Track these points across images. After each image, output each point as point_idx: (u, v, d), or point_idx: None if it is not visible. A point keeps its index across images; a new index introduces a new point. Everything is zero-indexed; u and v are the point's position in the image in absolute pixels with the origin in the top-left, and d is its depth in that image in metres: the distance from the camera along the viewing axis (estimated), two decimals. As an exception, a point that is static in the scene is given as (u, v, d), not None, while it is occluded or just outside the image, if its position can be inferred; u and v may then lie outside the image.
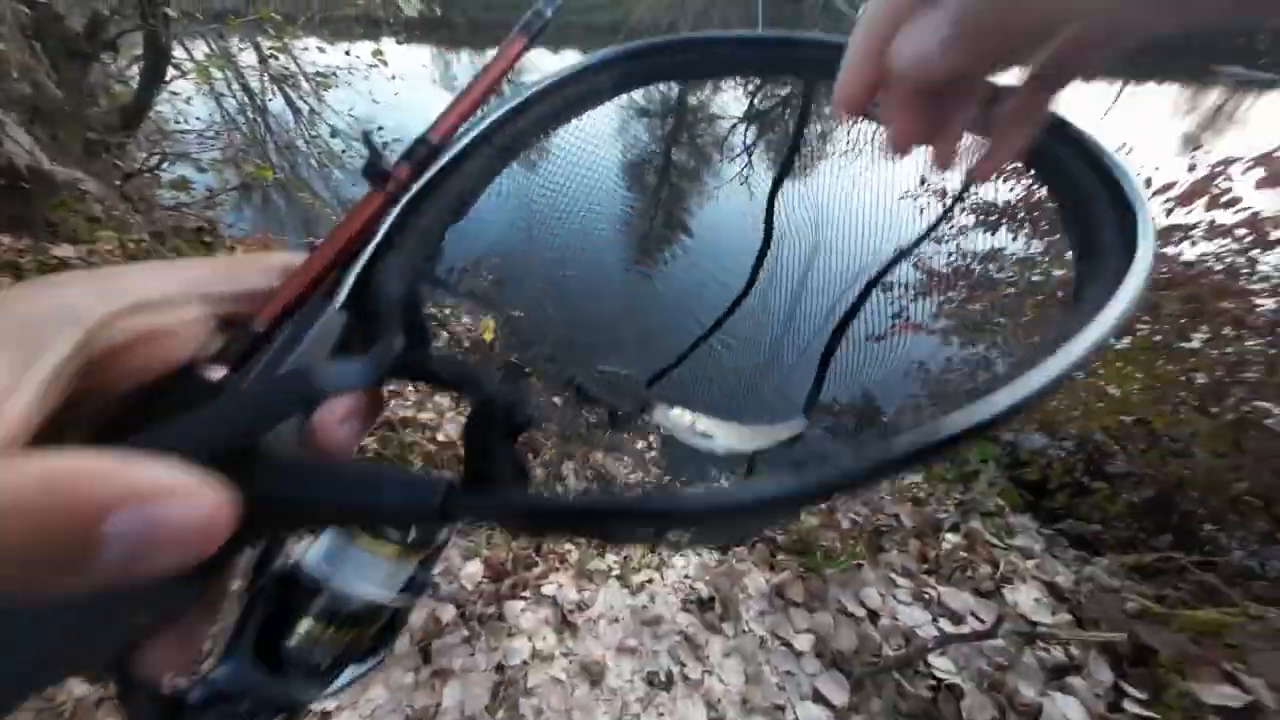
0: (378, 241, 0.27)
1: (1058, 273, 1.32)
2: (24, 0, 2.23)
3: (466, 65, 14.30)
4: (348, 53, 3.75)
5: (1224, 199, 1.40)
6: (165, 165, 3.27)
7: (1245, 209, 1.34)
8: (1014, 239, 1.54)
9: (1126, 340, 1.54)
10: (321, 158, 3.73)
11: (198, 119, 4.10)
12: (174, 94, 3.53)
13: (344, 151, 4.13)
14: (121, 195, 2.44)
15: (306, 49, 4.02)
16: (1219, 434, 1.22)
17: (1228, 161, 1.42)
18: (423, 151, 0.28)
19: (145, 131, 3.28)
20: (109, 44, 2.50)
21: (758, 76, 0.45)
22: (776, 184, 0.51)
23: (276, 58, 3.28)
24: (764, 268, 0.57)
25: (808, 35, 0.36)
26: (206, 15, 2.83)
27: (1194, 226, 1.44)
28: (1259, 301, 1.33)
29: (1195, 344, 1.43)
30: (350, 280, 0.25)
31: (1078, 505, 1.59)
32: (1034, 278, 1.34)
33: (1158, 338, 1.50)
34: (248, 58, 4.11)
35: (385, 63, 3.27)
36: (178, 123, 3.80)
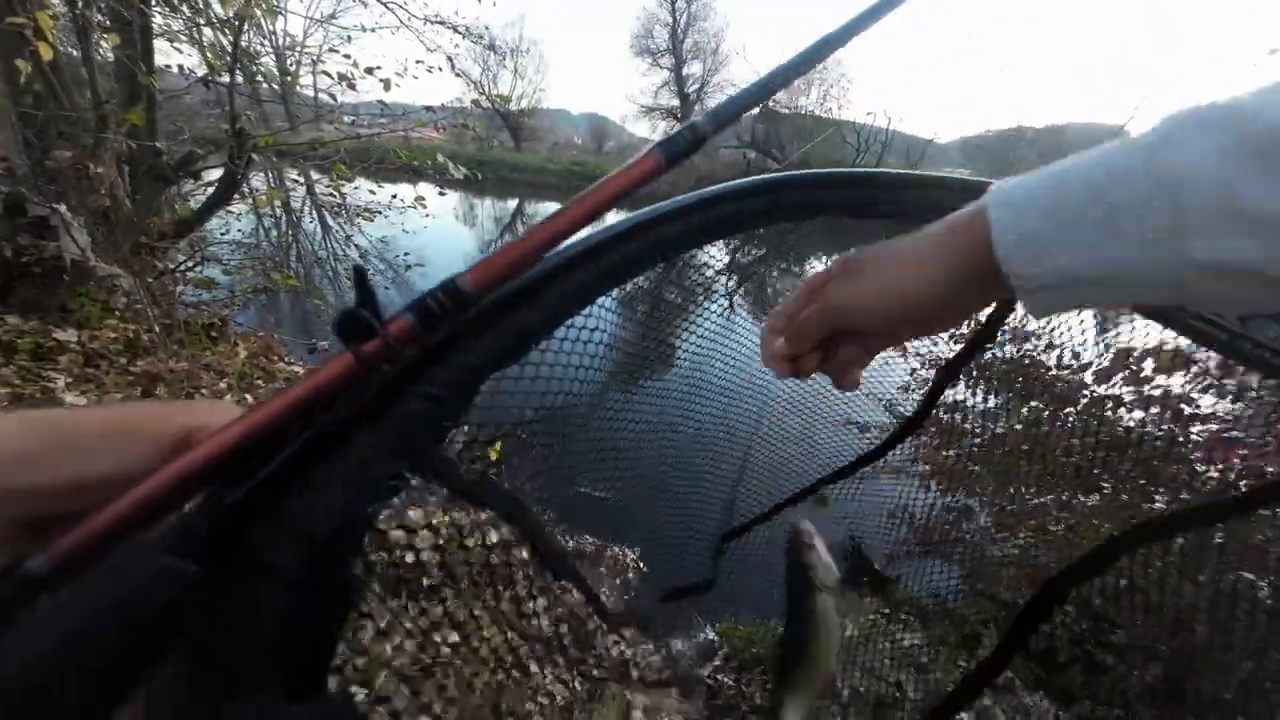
0: (310, 436, 0.20)
1: (1017, 427, 1.44)
2: (131, 136, 2.68)
3: (488, 209, 16.66)
4: (394, 196, 4.39)
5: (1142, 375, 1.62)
6: (198, 267, 3.52)
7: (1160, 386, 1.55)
8: (972, 394, 1.70)
9: (1095, 496, 1.60)
10: (349, 274, 4.05)
11: (239, 230, 4.55)
12: (228, 211, 4.00)
13: (368, 270, 4.53)
14: (148, 290, 2.58)
15: (358, 188, 4.71)
16: (1214, 604, 1.20)
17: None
18: (443, 303, 0.22)
19: (190, 237, 3.61)
20: (193, 174, 2.92)
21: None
22: None
23: (333, 195, 3.81)
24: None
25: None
26: (282, 156, 3.37)
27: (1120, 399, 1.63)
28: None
29: (1159, 504, 1.49)
30: (226, 502, 0.18)
31: (1095, 684, 1.46)
32: (997, 430, 1.45)
33: (1124, 495, 1.57)
34: (301, 185, 4.77)
35: (425, 207, 3.82)
36: (223, 233, 4.21)
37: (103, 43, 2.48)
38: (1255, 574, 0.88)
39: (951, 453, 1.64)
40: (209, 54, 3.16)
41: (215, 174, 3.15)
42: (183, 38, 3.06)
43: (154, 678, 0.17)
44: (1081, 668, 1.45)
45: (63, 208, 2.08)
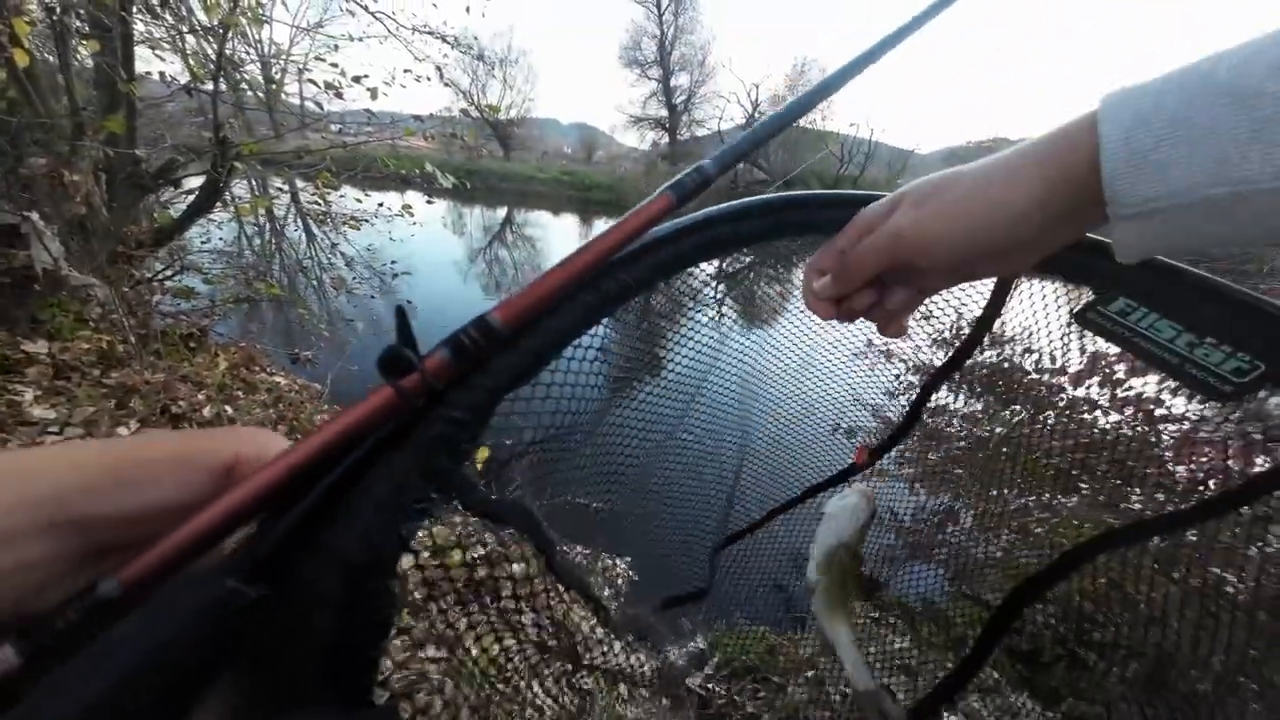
0: (356, 461, 0.21)
1: (999, 430, 1.47)
2: (110, 144, 2.62)
3: (477, 218, 16.62)
4: (381, 204, 4.36)
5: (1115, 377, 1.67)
6: (177, 276, 3.45)
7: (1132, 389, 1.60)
8: (954, 398, 1.73)
9: (1075, 498, 1.63)
10: (333, 283, 4.01)
11: (220, 239, 4.48)
12: (210, 219, 3.93)
13: (353, 278, 4.48)
14: (124, 300, 2.52)
15: (343, 196, 4.67)
16: (1188, 600, 1.23)
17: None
18: (475, 339, 0.23)
19: (170, 246, 3.54)
20: (173, 181, 2.87)
21: None
22: None
23: (318, 204, 3.77)
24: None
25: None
26: (267, 165, 3.34)
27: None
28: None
29: (1135, 504, 1.53)
30: (278, 531, 0.19)
31: (1078, 682, 1.48)
32: (979, 433, 1.48)
33: (1101, 497, 1.61)
34: (285, 194, 4.71)
35: (413, 215, 3.81)
36: (204, 242, 4.13)
37: (81, 49, 2.44)
38: (1224, 570, 0.91)
39: (936, 456, 1.67)
40: (192, 62, 3.13)
41: (197, 182, 3.10)
42: (165, 45, 3.02)
43: (215, 693, 0.18)
44: (1065, 666, 1.47)
45: (35, 216, 2.03)
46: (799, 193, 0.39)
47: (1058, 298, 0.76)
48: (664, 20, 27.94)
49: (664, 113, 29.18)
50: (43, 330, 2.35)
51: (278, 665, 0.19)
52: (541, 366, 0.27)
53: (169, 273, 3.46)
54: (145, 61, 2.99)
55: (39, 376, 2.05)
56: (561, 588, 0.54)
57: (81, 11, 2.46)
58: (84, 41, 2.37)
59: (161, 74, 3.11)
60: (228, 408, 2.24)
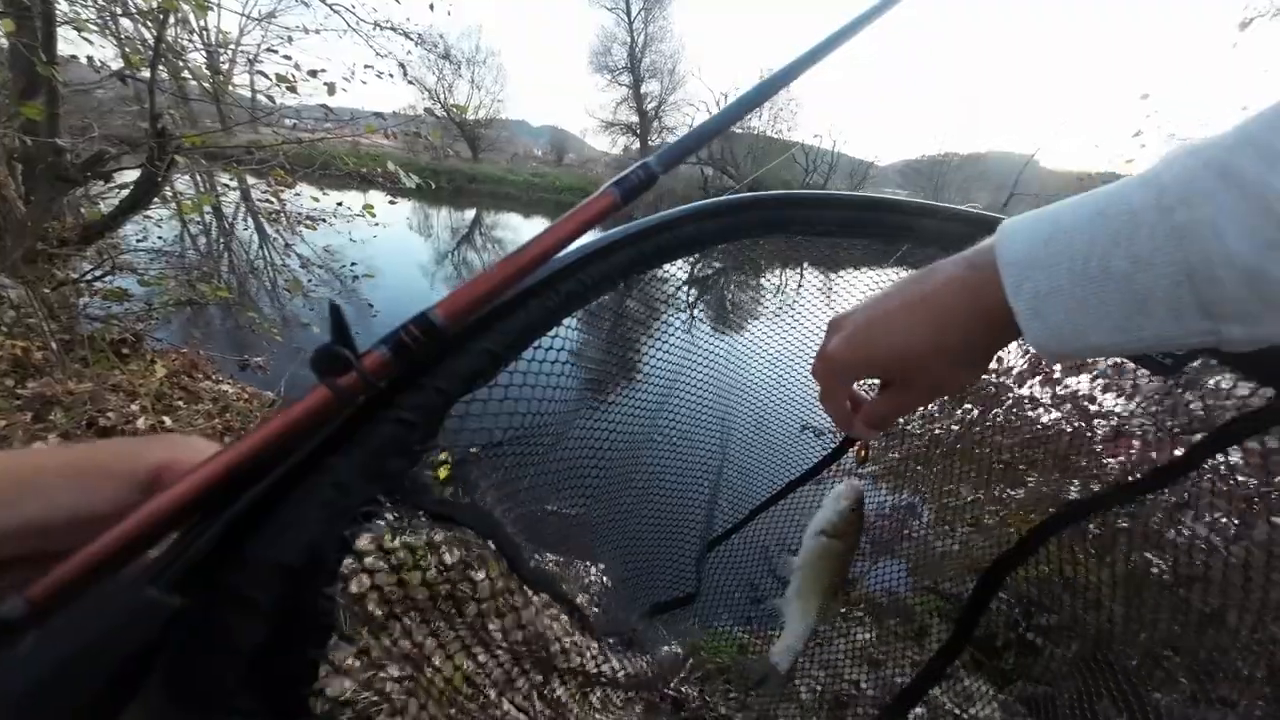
0: (288, 469, 0.20)
1: (954, 428, 1.55)
2: (27, 131, 2.39)
3: (445, 219, 16.18)
4: (339, 204, 4.17)
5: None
6: (108, 277, 3.18)
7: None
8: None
9: (1021, 490, 1.74)
10: (288, 285, 3.80)
11: (160, 238, 4.16)
12: (147, 216, 3.64)
13: (309, 280, 4.26)
14: (43, 303, 2.29)
15: (299, 194, 4.45)
16: (1120, 582, 1.33)
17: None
18: (416, 336, 0.22)
19: (99, 244, 3.26)
20: (103, 174, 2.65)
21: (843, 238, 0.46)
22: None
23: (271, 202, 3.57)
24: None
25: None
26: (213, 159, 3.13)
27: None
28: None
29: (1074, 494, 1.65)
30: (203, 539, 0.18)
31: (1028, 664, 1.57)
32: (935, 431, 1.56)
33: (1044, 489, 1.72)
34: (235, 191, 4.44)
35: (374, 215, 3.67)
36: (140, 240, 3.83)
37: (-5, 28, 2.22)
38: (1151, 553, 0.99)
39: (896, 454, 1.74)
40: (126, 48, 2.90)
41: (132, 175, 2.87)
42: (94, 27, 2.79)
43: (133, 708, 0.17)
44: (1015, 650, 1.56)
45: (-64, 209, 1.82)
46: (761, 193, 0.39)
47: None
48: (634, 27, 28.24)
49: (635, 118, 29.40)
50: (-56, 336, 2.11)
51: (201, 677, 0.18)
52: (499, 368, 0.26)
53: (98, 273, 3.18)
54: (72, 44, 2.75)
55: (-61, 388, 1.83)
56: (531, 592, 0.53)
57: (-5, -13, 2.24)
58: (-3, 19, 2.15)
59: (90, 58, 2.86)
60: (166, 419, 2.07)
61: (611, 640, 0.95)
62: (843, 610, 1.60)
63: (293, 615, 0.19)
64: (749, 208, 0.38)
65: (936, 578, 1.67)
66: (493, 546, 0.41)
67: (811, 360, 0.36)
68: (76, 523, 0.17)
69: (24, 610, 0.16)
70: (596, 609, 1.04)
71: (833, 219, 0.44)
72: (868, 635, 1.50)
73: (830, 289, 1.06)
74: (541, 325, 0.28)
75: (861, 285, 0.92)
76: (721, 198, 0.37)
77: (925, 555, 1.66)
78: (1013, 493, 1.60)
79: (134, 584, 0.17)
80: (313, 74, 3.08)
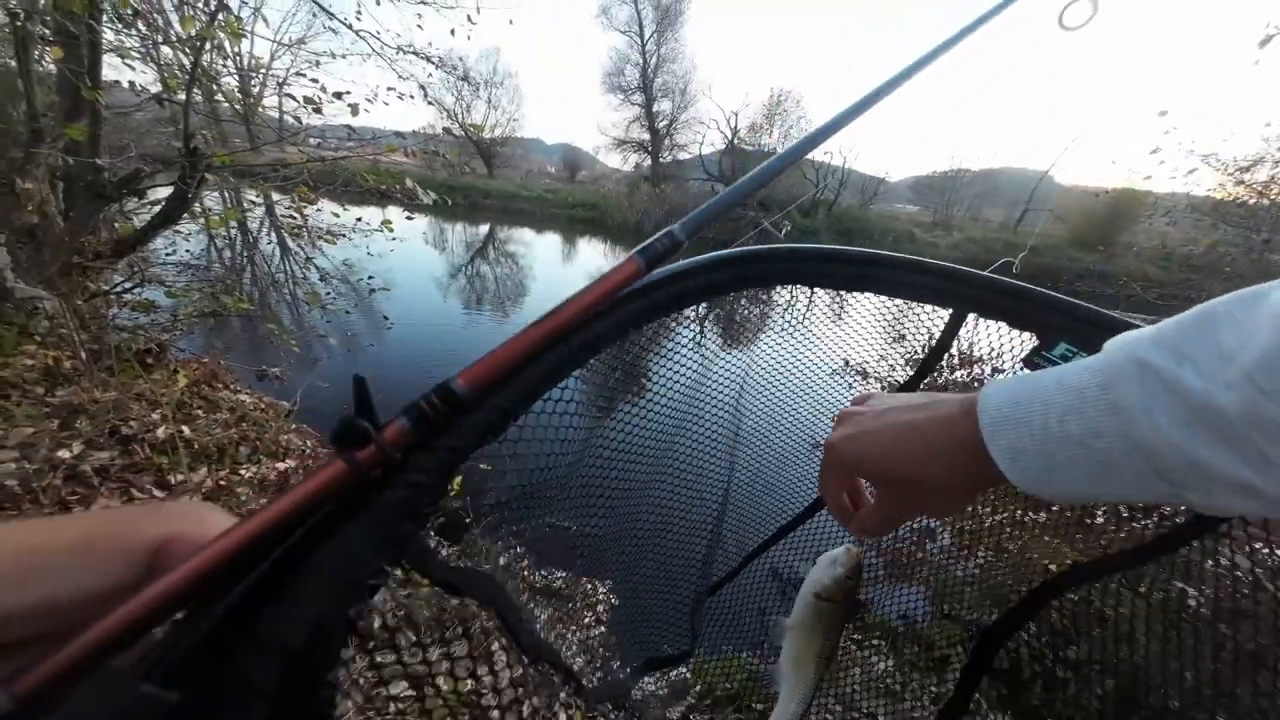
0: (302, 537, 0.19)
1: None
2: (70, 151, 2.52)
3: (460, 234, 16.55)
4: (359, 219, 4.30)
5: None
6: (138, 289, 3.30)
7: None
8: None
9: (1044, 514, 1.67)
10: (307, 298, 3.90)
11: (188, 251, 4.32)
12: (176, 231, 3.79)
13: (328, 293, 4.37)
14: (75, 314, 2.38)
15: (320, 210, 4.60)
16: (1152, 616, 1.26)
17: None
18: (436, 405, 0.22)
19: (130, 258, 3.39)
20: (137, 191, 2.77)
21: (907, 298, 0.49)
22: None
23: (294, 217, 3.69)
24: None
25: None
26: (240, 176, 3.26)
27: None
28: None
29: (1099, 519, 1.58)
30: (203, 625, 0.17)
31: (1054, 701, 1.49)
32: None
33: (1068, 512, 1.64)
34: (260, 206, 4.60)
35: (392, 230, 3.77)
36: (169, 254, 3.98)
37: (44, 56, 2.36)
38: (1187, 584, 0.93)
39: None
40: (165, 73, 3.06)
41: (165, 193, 2.99)
42: (136, 55, 2.95)
43: None
44: (1041, 684, 1.48)
45: (-19, 224, 1.91)
46: (758, 248, 0.41)
47: (1000, 333, 0.80)
48: (646, 49, 28.99)
49: (646, 136, 29.98)
50: (-19, 345, 2.19)
51: None
52: (509, 423, 0.26)
53: (128, 285, 3.30)
54: (114, 69, 2.91)
55: (-27, 395, 1.90)
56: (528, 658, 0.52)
57: (47, 18, 2.39)
58: (47, 47, 2.29)
59: (131, 83, 3.03)
60: (185, 428, 2.11)
61: (608, 707, 0.92)
62: (857, 638, 1.54)
63: (293, 703, 0.18)
64: (762, 260, 0.40)
65: (956, 605, 1.60)
66: (495, 615, 0.40)
67: (819, 401, 0.37)
68: (86, 601, 0.17)
69: (8, 707, 0.15)
70: (594, 673, 1.00)
71: (841, 274, 0.45)
72: (885, 664, 1.44)
73: (841, 309, 1.05)
74: (553, 378, 0.28)
75: (871, 305, 0.91)
76: (732, 250, 0.39)
77: (944, 581, 1.60)
78: (1034, 516, 1.54)
79: (128, 677, 0.16)
80: (338, 96, 3.20)
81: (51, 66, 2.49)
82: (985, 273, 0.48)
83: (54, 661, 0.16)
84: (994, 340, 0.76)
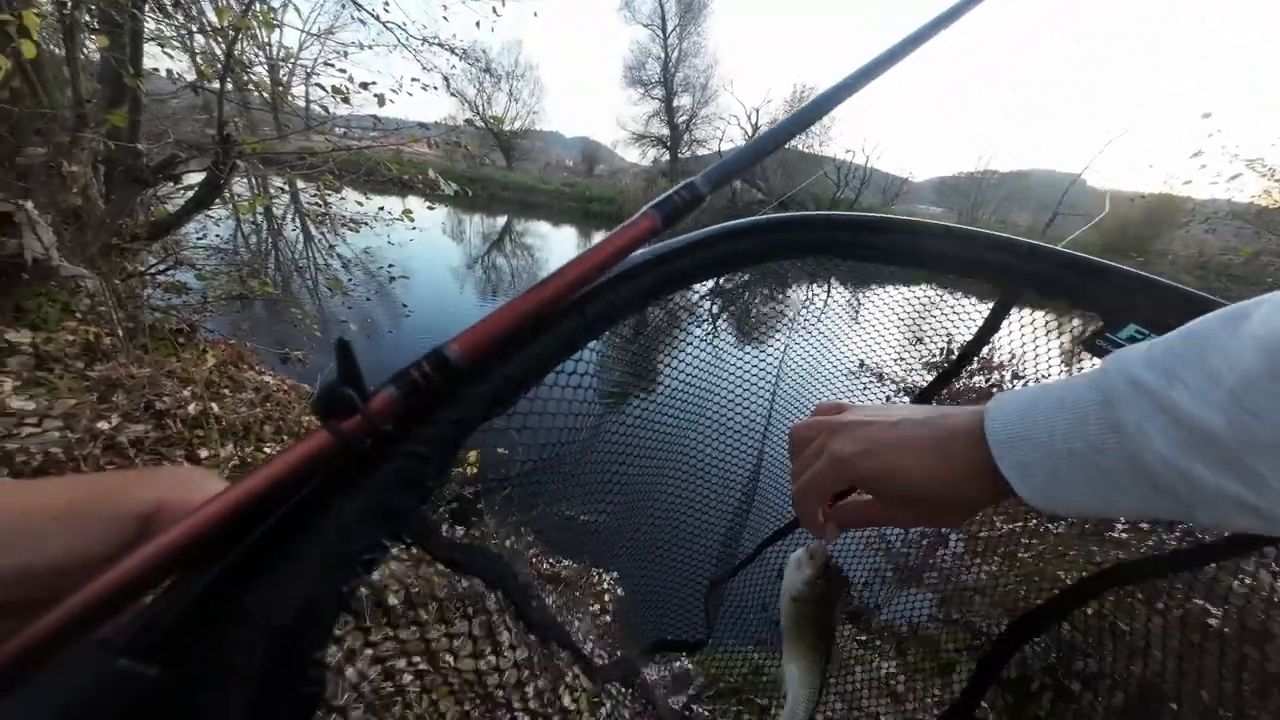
0: (279, 518, 0.18)
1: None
2: (111, 137, 2.62)
3: (477, 225, 16.72)
4: (381, 208, 4.37)
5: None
6: (170, 271, 3.42)
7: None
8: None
9: (1061, 524, 1.63)
10: (329, 284, 3.99)
11: (217, 236, 4.46)
12: (207, 215, 3.91)
13: (349, 280, 4.47)
14: (114, 293, 2.48)
15: (344, 198, 4.69)
16: (1169, 632, 1.23)
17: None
18: (427, 374, 0.20)
19: (165, 240, 3.51)
20: (173, 176, 2.87)
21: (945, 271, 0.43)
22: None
23: (318, 205, 3.78)
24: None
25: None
26: (269, 164, 3.35)
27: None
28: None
29: (1119, 532, 1.54)
30: (187, 595, 0.17)
31: (1064, 712, 1.47)
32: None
33: (1086, 524, 1.61)
34: (285, 194, 4.72)
35: (413, 219, 3.83)
36: (199, 237, 4.11)
37: (89, 43, 2.45)
38: (1208, 602, 0.91)
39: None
40: (200, 61, 3.15)
41: (196, 178, 3.10)
42: (174, 44, 3.05)
43: None
44: (1050, 695, 1.46)
45: (29, 205, 2.00)
46: (793, 214, 0.38)
47: (1048, 325, 0.77)
48: (668, 43, 28.72)
49: (666, 131, 29.77)
50: (27, 320, 2.31)
51: None
52: (519, 395, 0.24)
53: (162, 267, 3.42)
54: (152, 58, 3.01)
55: (20, 367, 2.00)
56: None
57: (93, 7, 2.48)
58: (93, 36, 2.38)
59: (169, 71, 3.13)
60: (214, 405, 2.20)
61: (617, 687, 0.93)
62: (862, 638, 1.54)
63: (278, 683, 0.17)
64: (788, 228, 0.36)
65: (965, 612, 1.59)
66: (501, 594, 0.39)
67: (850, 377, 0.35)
68: (72, 568, 0.16)
69: None
70: (603, 652, 1.01)
71: (881, 245, 0.41)
72: (889, 666, 1.43)
73: (858, 308, 1.04)
74: (565, 350, 0.26)
75: (893, 299, 0.90)
76: (760, 216, 0.36)
77: (953, 587, 1.58)
78: (1051, 526, 1.51)
79: (108, 648, 0.15)
80: (364, 86, 3.26)
81: (95, 54, 2.58)
82: (1046, 244, 0.43)
83: (35, 629, 0.15)
84: (1030, 334, 0.74)
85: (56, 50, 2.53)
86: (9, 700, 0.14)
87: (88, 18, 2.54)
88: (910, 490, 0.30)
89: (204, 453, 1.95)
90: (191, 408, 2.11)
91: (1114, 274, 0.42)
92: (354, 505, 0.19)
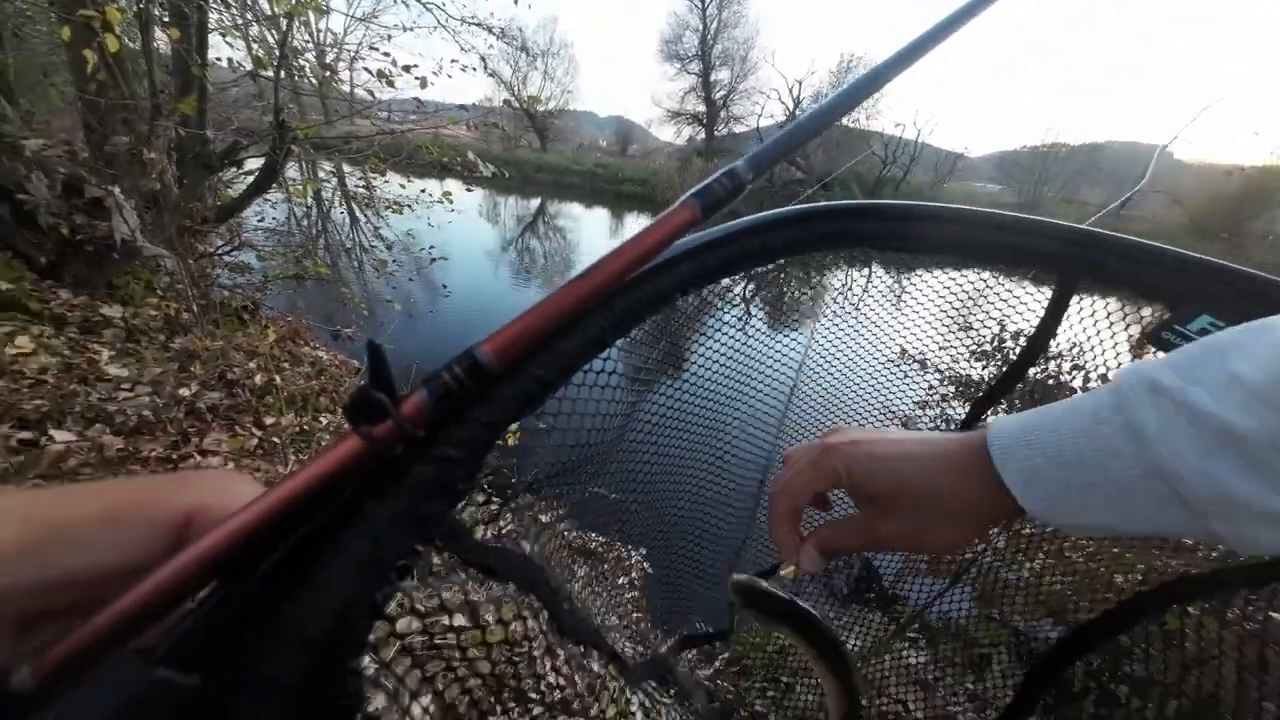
0: (328, 517, 0.18)
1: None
2: (182, 124, 2.82)
3: (512, 207, 16.93)
4: (423, 190, 4.50)
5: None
6: (235, 252, 3.68)
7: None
8: (994, 414, 1.66)
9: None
10: (375, 265, 4.18)
11: (272, 219, 4.74)
12: (265, 199, 4.16)
13: (393, 261, 4.67)
14: (188, 271, 2.71)
15: (388, 181, 4.86)
16: (1229, 642, 1.15)
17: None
18: (459, 377, 0.20)
19: (230, 223, 3.77)
20: (236, 162, 3.06)
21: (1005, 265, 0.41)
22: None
23: (364, 188, 3.93)
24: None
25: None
26: (318, 149, 3.52)
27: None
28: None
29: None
30: (226, 607, 0.17)
31: (1110, 718, 1.41)
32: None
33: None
34: (334, 177, 4.92)
35: (452, 202, 3.93)
36: (259, 220, 4.38)
37: (162, 36, 2.62)
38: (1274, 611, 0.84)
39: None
40: (257, 49, 3.30)
41: (254, 163, 3.29)
42: (233, 33, 3.21)
43: None
44: (1095, 699, 1.40)
45: (117, 190, 2.20)
46: (835, 203, 0.36)
47: (1110, 314, 0.71)
48: (707, 14, 27.54)
49: (702, 108, 28.83)
50: (117, 296, 2.56)
51: None
52: (548, 394, 0.24)
53: (227, 248, 3.69)
54: (213, 48, 3.19)
55: (113, 338, 2.24)
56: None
57: (165, 1, 2.64)
58: (166, 29, 2.54)
59: (229, 60, 3.30)
60: (276, 377, 2.38)
61: (651, 685, 0.94)
62: (891, 627, 1.52)
63: (314, 696, 0.17)
64: (836, 216, 0.34)
65: (1003, 609, 1.54)
66: (535, 600, 0.38)
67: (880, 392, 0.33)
68: (111, 575, 0.16)
69: (33, 683, 0.14)
70: (634, 650, 1.02)
71: (925, 236, 0.38)
72: (919, 657, 1.42)
73: (901, 292, 1.00)
74: (594, 347, 0.25)
75: (936, 287, 0.85)
76: (798, 206, 0.34)
77: (992, 583, 1.53)
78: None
79: (148, 657, 0.15)
80: (407, 69, 3.33)
81: (166, 47, 2.76)
82: (1094, 229, 0.40)
83: (77, 638, 0.15)
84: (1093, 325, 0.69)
85: (131, 44, 2.72)
86: (51, 710, 0.14)
87: (158, 11, 2.71)
88: (904, 495, 0.28)
89: (269, 420, 2.13)
90: (258, 379, 2.29)
91: (1188, 262, 0.38)
92: (386, 511, 0.19)
